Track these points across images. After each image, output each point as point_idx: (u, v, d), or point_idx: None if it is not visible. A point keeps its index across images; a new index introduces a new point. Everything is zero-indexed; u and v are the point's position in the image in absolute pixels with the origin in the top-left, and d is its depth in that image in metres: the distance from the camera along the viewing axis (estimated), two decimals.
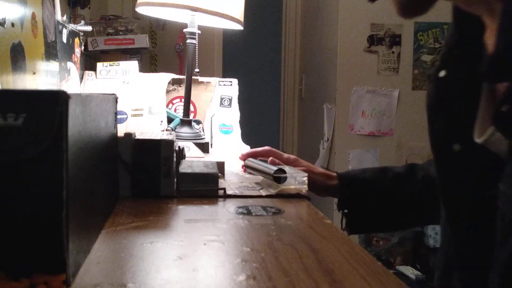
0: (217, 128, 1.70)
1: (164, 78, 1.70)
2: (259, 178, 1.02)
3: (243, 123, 1.75)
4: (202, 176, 0.87)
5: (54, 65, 1.45)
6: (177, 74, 1.78)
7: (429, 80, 0.61)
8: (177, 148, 0.91)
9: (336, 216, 1.07)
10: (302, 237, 0.64)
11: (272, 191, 0.90)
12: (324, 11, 3.04)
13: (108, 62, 1.72)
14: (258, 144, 1.27)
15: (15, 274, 0.42)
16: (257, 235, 0.64)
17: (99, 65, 1.72)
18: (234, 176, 1.08)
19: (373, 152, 2.74)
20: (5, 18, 1.03)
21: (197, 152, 1.37)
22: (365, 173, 1.05)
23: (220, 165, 1.03)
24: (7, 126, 0.41)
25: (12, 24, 1.08)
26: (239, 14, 1.49)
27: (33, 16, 1.23)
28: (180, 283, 0.47)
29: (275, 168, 0.92)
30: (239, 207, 0.79)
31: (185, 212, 0.76)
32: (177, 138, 1.29)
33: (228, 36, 3.33)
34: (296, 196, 0.88)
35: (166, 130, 1.53)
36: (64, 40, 1.59)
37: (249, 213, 0.76)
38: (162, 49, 3.01)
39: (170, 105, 1.76)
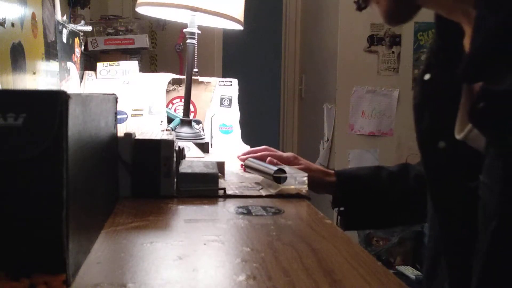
0: (217, 128, 1.71)
1: (164, 78, 1.70)
2: (259, 178, 1.02)
3: (243, 123, 1.75)
4: (202, 176, 0.87)
5: (54, 65, 1.45)
6: (177, 74, 1.78)
7: (415, 83, 0.66)
8: (177, 148, 0.91)
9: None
10: (302, 237, 0.64)
11: (272, 191, 0.90)
12: (324, 11, 3.04)
13: (108, 62, 1.72)
14: (258, 144, 1.27)
15: (15, 274, 0.42)
16: (257, 235, 0.64)
17: (99, 65, 1.72)
18: (234, 176, 1.08)
19: (373, 152, 2.74)
20: (5, 18, 1.03)
21: (197, 152, 1.37)
22: (361, 171, 1.09)
23: (220, 165, 1.03)
24: (7, 126, 0.41)
25: (12, 24, 1.08)
26: (239, 14, 1.49)
27: (33, 16, 1.23)
28: (180, 283, 0.47)
29: (275, 168, 0.92)
30: (239, 207, 0.79)
31: (185, 212, 0.76)
32: (177, 138, 1.29)
33: (228, 36, 3.33)
34: (296, 196, 0.88)
35: (166, 130, 1.53)
36: (64, 40, 1.59)
37: (249, 213, 0.76)
38: (162, 49, 3.01)
39: (170, 105, 1.76)
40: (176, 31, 2.87)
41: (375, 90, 2.73)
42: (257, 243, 0.61)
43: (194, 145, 1.40)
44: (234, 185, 0.97)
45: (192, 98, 1.59)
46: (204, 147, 1.46)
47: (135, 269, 0.50)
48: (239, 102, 1.76)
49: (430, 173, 0.63)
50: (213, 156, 1.45)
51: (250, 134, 1.95)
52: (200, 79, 1.75)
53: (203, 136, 1.55)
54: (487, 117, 0.46)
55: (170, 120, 1.63)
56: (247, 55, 3.99)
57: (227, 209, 0.78)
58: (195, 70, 1.54)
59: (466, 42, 0.55)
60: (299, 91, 3.64)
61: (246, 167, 1.11)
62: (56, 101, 0.42)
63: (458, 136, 0.55)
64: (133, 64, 1.71)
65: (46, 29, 1.35)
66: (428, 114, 0.62)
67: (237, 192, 0.90)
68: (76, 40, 1.77)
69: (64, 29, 1.57)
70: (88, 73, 1.73)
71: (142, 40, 2.10)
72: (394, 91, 2.72)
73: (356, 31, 2.69)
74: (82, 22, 1.80)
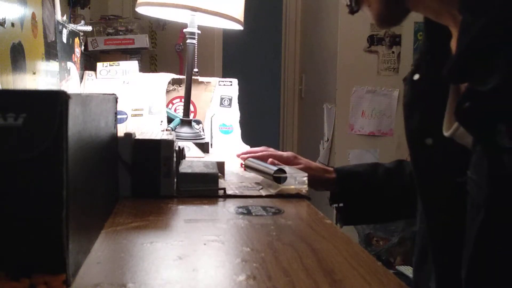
0: (217, 128, 1.71)
1: (164, 78, 1.70)
2: (259, 178, 1.02)
3: (243, 123, 1.75)
4: (202, 176, 0.87)
5: (54, 65, 1.45)
6: (177, 74, 1.78)
7: (404, 83, 0.69)
8: (177, 148, 0.91)
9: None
10: (302, 237, 0.64)
11: (272, 191, 0.90)
12: (324, 11, 3.04)
13: (108, 62, 1.72)
14: (258, 144, 1.27)
15: (15, 274, 0.42)
16: (257, 235, 0.64)
17: (99, 65, 1.72)
18: (234, 176, 1.08)
19: (373, 152, 2.74)
20: (5, 18, 1.03)
21: (197, 152, 1.37)
22: (359, 167, 1.12)
23: (220, 165, 1.03)
24: (7, 126, 0.41)
25: (12, 24, 1.08)
26: (239, 14, 1.49)
27: (33, 16, 1.23)
28: (180, 283, 0.47)
29: (275, 168, 0.92)
30: (239, 207, 0.79)
31: (185, 212, 0.76)
32: (177, 138, 1.29)
33: (228, 36, 3.32)
34: (296, 196, 0.88)
35: (166, 130, 1.53)
36: (64, 40, 1.58)
37: (249, 213, 0.76)
38: (162, 49, 3.00)
39: (170, 105, 1.76)
40: (176, 31, 2.87)
41: (375, 90, 2.73)
42: (257, 243, 0.61)
43: (194, 145, 1.40)
44: (234, 185, 0.97)
45: (192, 98, 1.59)
46: (204, 147, 1.46)
47: (135, 269, 0.50)
48: (239, 102, 1.76)
49: (418, 169, 0.65)
50: (213, 156, 1.45)
51: (250, 134, 1.95)
52: (200, 79, 1.75)
53: (203, 136, 1.55)
54: (472, 116, 0.48)
55: (170, 120, 1.63)
56: (247, 55, 3.99)
57: (227, 209, 0.78)
58: (195, 70, 1.54)
59: (453, 44, 0.58)
60: (299, 91, 3.64)
61: (246, 167, 1.11)
62: (56, 101, 0.42)
63: (446, 133, 0.58)
64: (133, 64, 1.71)
65: (46, 29, 1.35)
66: (417, 113, 0.65)
67: (237, 192, 0.90)
68: (76, 40, 1.77)
69: (64, 29, 1.57)
70: (88, 73, 1.73)
71: (142, 40, 2.10)
72: (394, 91, 2.72)
73: (356, 31, 2.69)
74: (82, 22, 1.80)
